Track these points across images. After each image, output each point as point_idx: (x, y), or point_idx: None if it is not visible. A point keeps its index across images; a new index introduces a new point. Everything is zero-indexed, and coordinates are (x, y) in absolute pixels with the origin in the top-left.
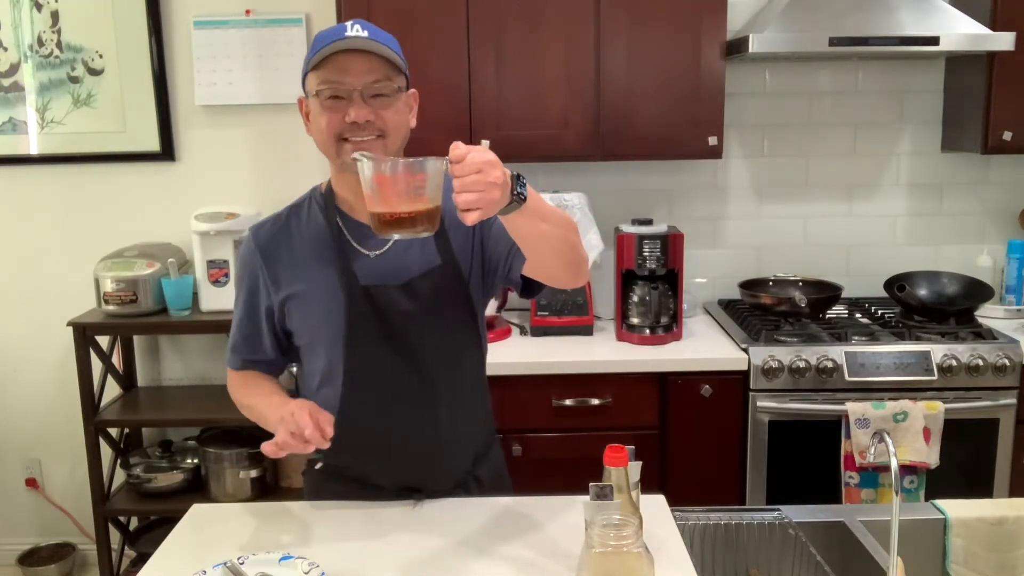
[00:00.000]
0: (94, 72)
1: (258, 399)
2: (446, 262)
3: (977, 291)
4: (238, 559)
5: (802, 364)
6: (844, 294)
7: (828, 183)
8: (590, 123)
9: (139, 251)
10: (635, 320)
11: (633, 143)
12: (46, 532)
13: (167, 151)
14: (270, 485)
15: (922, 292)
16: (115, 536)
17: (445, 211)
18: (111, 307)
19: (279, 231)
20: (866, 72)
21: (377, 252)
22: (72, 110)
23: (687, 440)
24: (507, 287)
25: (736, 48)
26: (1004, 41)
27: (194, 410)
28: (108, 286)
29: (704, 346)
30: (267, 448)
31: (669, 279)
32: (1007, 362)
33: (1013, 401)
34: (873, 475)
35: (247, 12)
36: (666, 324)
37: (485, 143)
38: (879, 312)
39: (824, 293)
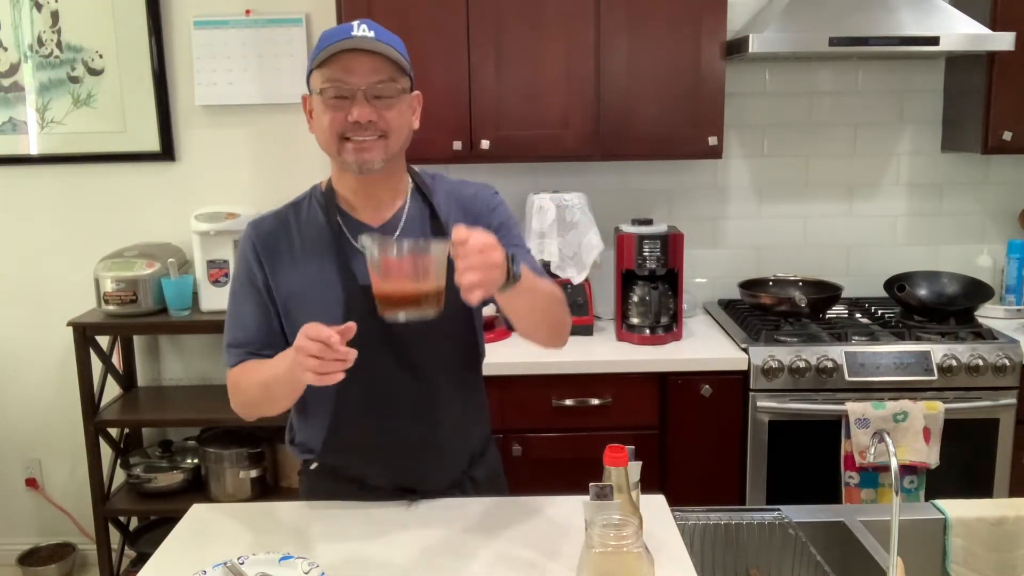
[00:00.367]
0: (94, 72)
1: (261, 369)
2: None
3: (977, 291)
4: (238, 559)
5: (802, 364)
6: (844, 294)
7: (828, 183)
8: (590, 123)
9: (139, 251)
10: (635, 320)
11: (633, 143)
12: (46, 532)
13: (167, 151)
14: (270, 485)
15: (922, 292)
16: (115, 536)
17: (445, 212)
18: (111, 307)
19: (279, 227)
20: (866, 72)
21: None
22: (72, 110)
23: (687, 440)
24: None
25: (736, 48)
26: (1004, 41)
27: (194, 410)
28: (108, 286)
29: (704, 346)
30: (308, 373)
31: (669, 279)
32: (1007, 362)
33: (1013, 401)
34: (873, 475)
35: (247, 12)
36: (666, 324)
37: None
38: (879, 312)
39: (824, 293)
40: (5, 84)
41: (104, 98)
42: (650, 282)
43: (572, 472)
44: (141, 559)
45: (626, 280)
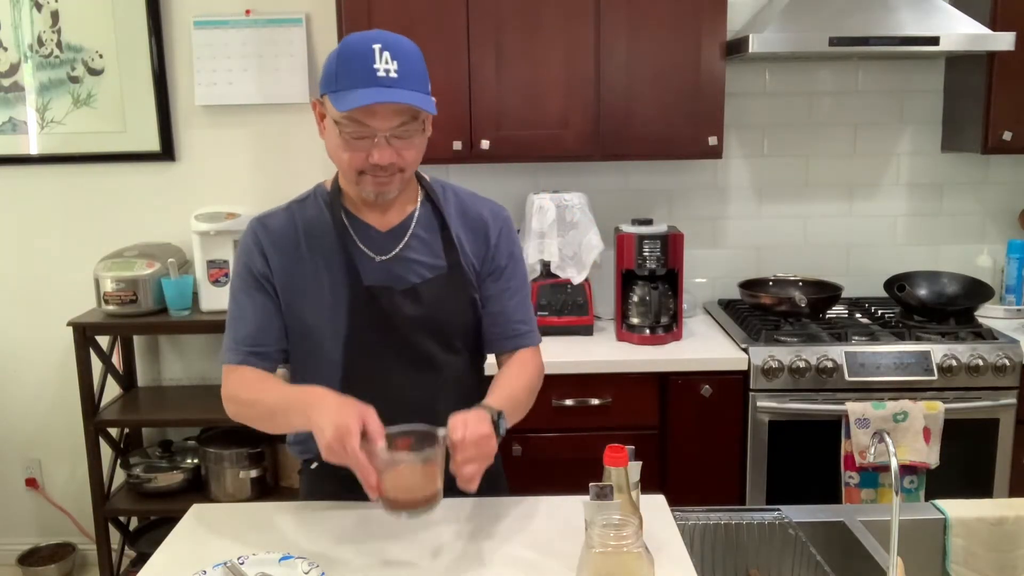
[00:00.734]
0: (94, 72)
1: (269, 391)
2: (452, 268)
3: (977, 291)
4: (238, 559)
5: (802, 364)
6: (844, 294)
7: (828, 183)
8: (590, 123)
9: (139, 251)
10: (635, 320)
11: (633, 143)
12: (46, 532)
13: (167, 151)
14: (270, 485)
15: (922, 292)
16: (115, 536)
17: (456, 227)
18: (111, 307)
19: (285, 224)
20: (866, 72)
21: (383, 258)
22: (72, 110)
23: (687, 440)
24: None
25: (736, 48)
26: (1004, 41)
27: (194, 410)
28: (108, 286)
29: (704, 346)
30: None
31: (669, 279)
32: (1007, 362)
33: (1013, 401)
34: (873, 475)
35: (247, 12)
36: (666, 324)
37: (485, 144)
38: (879, 312)
39: (824, 293)
40: (5, 84)
41: (104, 98)
42: (650, 282)
43: (572, 472)
44: (141, 559)
45: (626, 280)
